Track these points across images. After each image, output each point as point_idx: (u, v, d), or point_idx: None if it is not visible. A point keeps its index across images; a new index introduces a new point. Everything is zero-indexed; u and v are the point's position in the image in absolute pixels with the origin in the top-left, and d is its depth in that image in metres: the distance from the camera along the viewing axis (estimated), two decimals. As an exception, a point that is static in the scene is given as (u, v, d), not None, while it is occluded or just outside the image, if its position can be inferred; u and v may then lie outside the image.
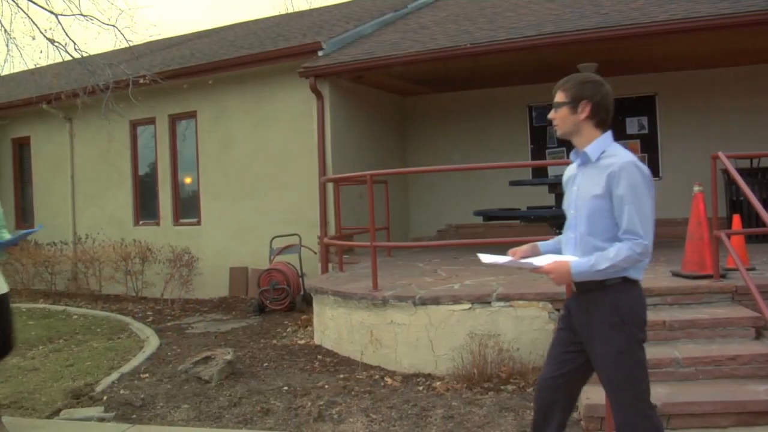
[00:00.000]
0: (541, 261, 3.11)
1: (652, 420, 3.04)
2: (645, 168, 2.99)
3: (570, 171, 3.27)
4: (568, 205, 3.20)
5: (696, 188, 6.29)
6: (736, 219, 6.92)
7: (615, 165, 2.96)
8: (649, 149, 11.07)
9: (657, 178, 10.91)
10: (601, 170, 3.01)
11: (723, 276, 6.00)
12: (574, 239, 3.12)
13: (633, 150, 10.79)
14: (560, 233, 3.33)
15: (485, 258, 3.27)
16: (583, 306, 3.12)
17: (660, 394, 4.54)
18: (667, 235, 10.28)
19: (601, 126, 3.10)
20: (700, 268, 6.10)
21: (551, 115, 3.18)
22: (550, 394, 3.26)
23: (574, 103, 3.08)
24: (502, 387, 5.49)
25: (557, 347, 3.28)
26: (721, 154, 5.85)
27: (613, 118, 3.14)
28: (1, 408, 5.22)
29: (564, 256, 3.13)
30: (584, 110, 3.07)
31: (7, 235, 4.81)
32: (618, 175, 2.94)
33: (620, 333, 3.00)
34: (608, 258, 2.92)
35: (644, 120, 11.09)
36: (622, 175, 2.93)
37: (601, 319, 3.04)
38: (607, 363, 3.04)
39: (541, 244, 3.35)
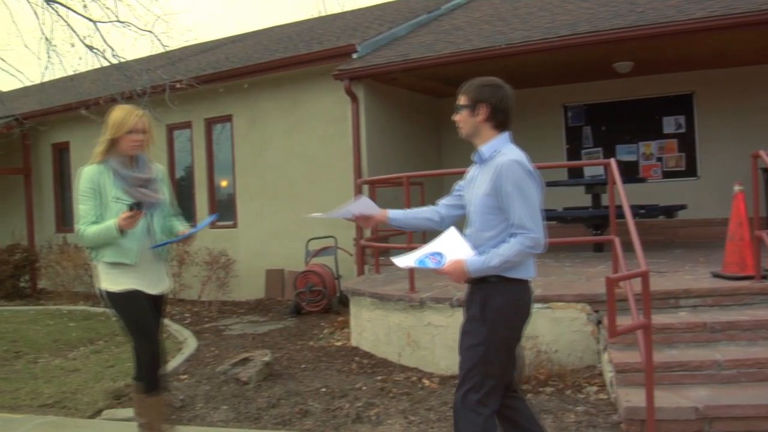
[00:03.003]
0: (447, 249, 3.18)
1: (479, 413, 3.09)
2: (528, 165, 3.11)
3: (472, 171, 3.37)
4: (468, 203, 3.30)
5: (736, 188, 6.19)
6: (778, 219, 6.81)
7: (499, 164, 3.09)
8: (686, 148, 10.91)
9: (695, 178, 10.78)
10: (490, 168, 3.14)
11: (764, 277, 5.89)
12: (470, 235, 3.23)
13: (670, 149, 10.83)
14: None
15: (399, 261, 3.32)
16: (468, 297, 3.25)
17: (701, 396, 4.50)
18: (706, 236, 10.18)
19: (500, 127, 3.23)
20: (741, 269, 6.00)
21: (454, 117, 3.29)
22: None
23: (473, 106, 3.21)
24: (541, 389, 5.46)
25: None
26: (762, 153, 5.77)
27: (510, 120, 3.28)
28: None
29: (461, 242, 3.20)
30: (482, 112, 3.19)
31: (180, 227, 4.38)
32: (502, 174, 3.06)
33: (481, 328, 3.12)
34: (500, 254, 3.03)
35: (681, 119, 10.93)
36: (506, 173, 3.05)
37: (471, 313, 3.18)
38: (462, 352, 3.18)
39: (391, 212, 3.48)
